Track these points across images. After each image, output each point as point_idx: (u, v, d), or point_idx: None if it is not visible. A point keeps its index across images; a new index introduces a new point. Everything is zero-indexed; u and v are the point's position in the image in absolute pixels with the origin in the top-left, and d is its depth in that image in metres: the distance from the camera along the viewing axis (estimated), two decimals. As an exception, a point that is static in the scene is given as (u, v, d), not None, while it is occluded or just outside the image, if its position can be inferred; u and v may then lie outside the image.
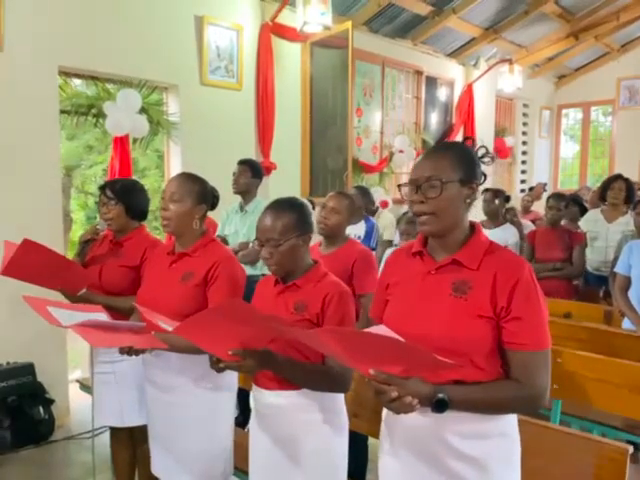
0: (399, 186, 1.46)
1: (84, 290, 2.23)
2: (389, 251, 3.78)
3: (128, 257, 2.31)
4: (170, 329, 1.46)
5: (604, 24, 8.06)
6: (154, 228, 6.11)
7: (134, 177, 4.49)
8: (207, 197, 1.99)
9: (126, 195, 2.34)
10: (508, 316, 1.24)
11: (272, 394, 1.66)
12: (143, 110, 4.10)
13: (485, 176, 1.38)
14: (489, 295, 1.25)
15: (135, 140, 4.28)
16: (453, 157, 1.31)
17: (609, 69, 9.70)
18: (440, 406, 1.19)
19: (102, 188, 2.38)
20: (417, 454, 1.32)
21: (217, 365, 1.51)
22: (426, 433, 1.29)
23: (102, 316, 1.76)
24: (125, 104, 3.91)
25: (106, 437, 2.64)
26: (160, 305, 1.74)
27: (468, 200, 1.32)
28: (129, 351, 1.76)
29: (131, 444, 2.41)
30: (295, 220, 1.65)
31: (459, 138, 7.72)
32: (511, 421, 1.35)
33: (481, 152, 1.39)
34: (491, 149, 1.41)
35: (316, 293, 1.64)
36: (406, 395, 1.15)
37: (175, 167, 4.54)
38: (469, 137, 1.44)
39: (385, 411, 1.43)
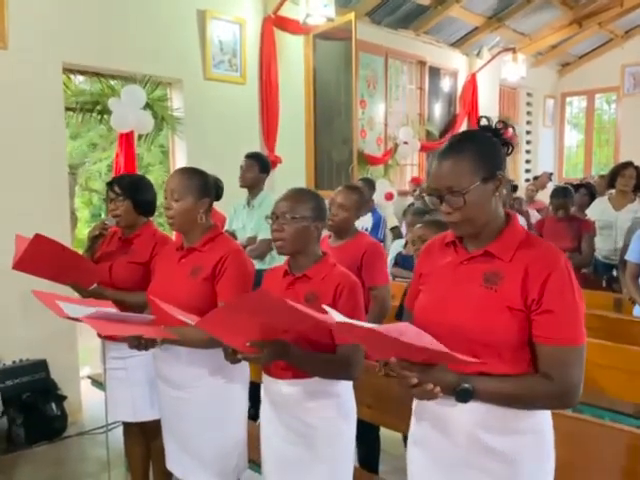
0: (421, 196, 1.43)
1: (95, 285, 2.23)
2: (397, 243, 3.78)
3: (137, 253, 2.31)
4: (191, 322, 1.47)
5: (608, 10, 7.99)
6: (159, 224, 6.11)
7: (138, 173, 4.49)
8: (209, 189, 1.97)
9: (134, 191, 2.34)
10: (539, 309, 1.20)
11: (286, 383, 1.68)
12: (147, 106, 4.09)
13: (512, 147, 1.31)
14: (520, 287, 1.21)
15: (140, 136, 4.28)
16: (471, 158, 1.23)
17: (613, 56, 9.61)
18: (464, 395, 1.18)
19: (109, 184, 2.37)
20: (446, 446, 1.30)
21: (233, 357, 1.53)
22: (456, 426, 1.27)
23: (112, 311, 1.77)
24: (129, 100, 3.91)
25: (119, 432, 2.64)
26: (170, 300, 1.74)
27: (497, 193, 1.26)
28: (138, 345, 1.76)
29: (144, 439, 2.42)
30: (313, 205, 1.70)
31: (464, 129, 7.69)
32: (544, 418, 1.31)
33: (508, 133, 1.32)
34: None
35: (327, 284, 1.65)
36: (427, 382, 1.14)
37: (180, 162, 4.54)
38: (484, 116, 1.33)
39: (415, 402, 1.41)
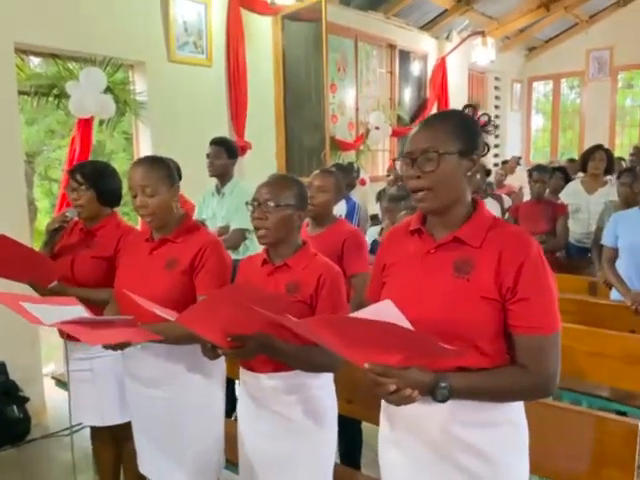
0: (393, 160, 1.37)
1: (55, 283, 2.08)
2: (373, 230, 3.71)
3: (101, 247, 2.18)
4: (171, 318, 1.41)
5: (574, -6, 8.07)
6: (124, 214, 5.92)
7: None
8: (174, 175, 1.88)
9: (97, 179, 2.19)
10: (514, 297, 1.15)
11: (266, 377, 1.64)
12: (108, 89, 3.88)
13: (488, 147, 1.28)
14: (493, 275, 1.16)
15: (101, 122, 4.07)
16: (452, 126, 1.20)
17: (578, 40, 9.75)
18: (442, 396, 1.13)
19: (71, 172, 2.21)
20: (421, 445, 1.25)
21: (213, 353, 1.49)
22: (430, 423, 1.23)
23: (79, 309, 1.66)
24: (89, 83, 3.70)
25: (86, 432, 2.52)
26: (145, 294, 1.64)
27: (469, 173, 1.22)
28: (115, 346, 1.67)
29: (114, 442, 2.31)
30: (296, 192, 1.66)
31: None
32: (518, 408, 1.28)
33: (483, 119, 1.29)
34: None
35: (309, 274, 1.61)
36: (405, 387, 1.09)
37: (145, 149, 4.36)
38: (470, 105, 1.33)
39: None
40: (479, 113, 1.30)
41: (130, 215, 6.18)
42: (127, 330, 1.62)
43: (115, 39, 4.00)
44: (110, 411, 2.16)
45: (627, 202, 3.39)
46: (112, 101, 3.86)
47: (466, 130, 1.22)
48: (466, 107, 1.31)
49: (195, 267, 1.78)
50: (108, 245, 2.17)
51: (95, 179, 2.18)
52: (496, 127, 1.31)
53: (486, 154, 1.29)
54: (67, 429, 2.74)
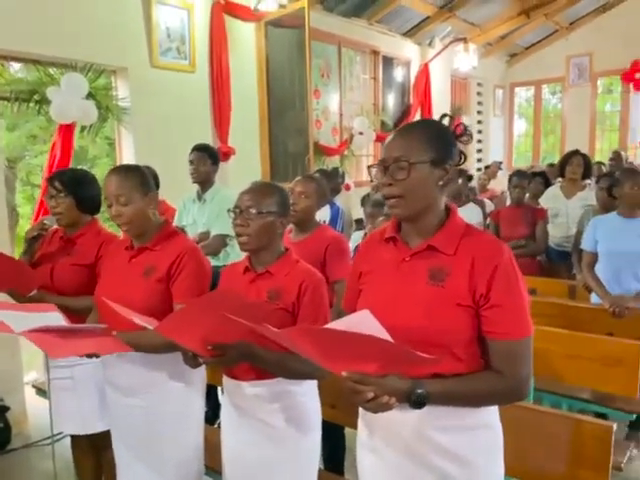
0: (369, 167, 1.39)
1: (35, 291, 2.06)
2: (356, 235, 3.73)
3: (81, 255, 2.16)
4: (150, 327, 1.40)
5: (554, 2, 8.20)
6: (106, 219, 5.86)
7: (83, 167, 4.26)
8: (150, 182, 1.87)
9: (76, 186, 2.17)
10: (487, 304, 1.18)
11: (249, 385, 1.63)
12: (90, 95, 3.86)
13: (464, 157, 1.31)
14: (467, 282, 1.18)
15: (83, 128, 4.04)
16: (424, 136, 1.22)
17: (559, 47, 9.91)
18: (419, 402, 1.14)
19: (50, 180, 2.20)
20: (397, 450, 1.27)
21: (194, 361, 1.48)
22: (406, 428, 1.24)
23: (56, 316, 1.63)
24: (70, 89, 3.68)
25: (68, 441, 2.49)
26: (123, 302, 1.63)
27: (441, 182, 1.24)
28: (89, 355, 1.67)
29: (94, 451, 2.28)
30: (278, 199, 1.66)
31: (417, 118, 7.73)
32: (493, 412, 1.30)
33: (459, 129, 1.31)
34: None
35: (291, 281, 1.61)
36: (383, 395, 1.10)
37: (127, 154, 4.34)
38: (446, 114, 1.35)
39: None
40: (458, 121, 1.32)
41: (111, 222, 6.13)
42: (97, 340, 1.59)
43: (97, 45, 3.99)
44: (90, 419, 2.14)
45: (605, 207, 3.46)
46: (94, 107, 3.84)
47: (439, 140, 1.24)
48: (443, 117, 1.33)
49: (172, 275, 1.77)
50: (88, 252, 2.15)
51: (74, 186, 2.16)
52: (471, 137, 1.32)
53: (462, 163, 1.31)
54: (48, 438, 2.71)
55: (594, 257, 3.01)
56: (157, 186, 1.93)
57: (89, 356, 1.67)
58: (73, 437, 2.33)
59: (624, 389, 2.30)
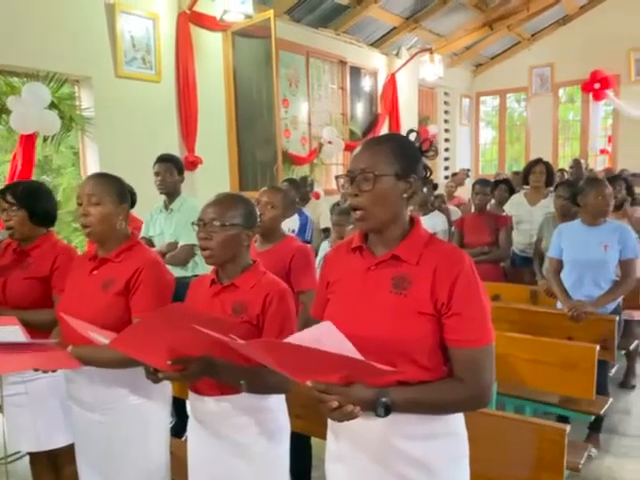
0: (337, 177, 1.41)
1: None
2: (325, 244, 3.75)
3: (36, 268, 2.10)
4: (105, 341, 1.37)
5: (516, 14, 8.44)
6: (74, 230, 5.75)
7: (48, 176, 4.18)
8: (127, 195, 1.86)
9: (29, 199, 2.12)
10: (449, 312, 1.20)
11: (213, 400, 1.61)
12: (53, 105, 3.80)
13: (430, 171, 1.34)
14: (429, 291, 1.21)
15: (46, 138, 3.97)
16: (390, 150, 1.25)
17: (521, 58, 10.19)
18: (383, 410, 1.15)
19: (1, 193, 2.14)
20: (365, 459, 1.28)
21: (154, 376, 1.45)
22: (372, 437, 1.25)
23: (15, 330, 1.60)
24: (32, 99, 3.61)
25: (26, 460, 2.42)
26: (82, 316, 1.60)
27: (405, 195, 1.27)
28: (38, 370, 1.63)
29: (54, 468, 2.22)
30: (243, 211, 1.64)
31: (386, 128, 7.84)
32: (458, 419, 1.32)
33: (426, 144, 1.33)
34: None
35: (255, 293, 1.59)
36: (347, 404, 1.12)
37: (92, 165, 4.28)
38: (413, 130, 1.37)
39: None
40: (425, 136, 1.35)
41: (80, 231, 6.00)
42: (45, 355, 1.56)
43: (60, 54, 3.93)
44: (47, 436, 2.08)
45: (563, 214, 3.56)
46: (56, 117, 3.78)
47: (404, 154, 1.27)
48: (410, 132, 1.36)
49: (130, 288, 1.74)
50: (43, 265, 2.10)
51: (27, 199, 2.11)
52: (437, 153, 1.36)
53: (429, 177, 1.34)
54: (2, 459, 2.61)
55: (560, 263, 3.07)
56: (133, 204, 1.92)
57: (45, 371, 1.63)
58: (31, 454, 2.26)
59: (581, 391, 2.37)
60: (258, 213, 2.42)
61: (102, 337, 1.39)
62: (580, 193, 3.00)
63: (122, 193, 1.83)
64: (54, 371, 1.66)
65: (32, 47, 3.76)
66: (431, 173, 1.35)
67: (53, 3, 3.88)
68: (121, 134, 4.35)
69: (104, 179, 1.82)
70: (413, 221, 1.32)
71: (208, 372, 1.48)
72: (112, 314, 1.71)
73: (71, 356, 1.54)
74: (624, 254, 2.89)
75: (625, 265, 2.91)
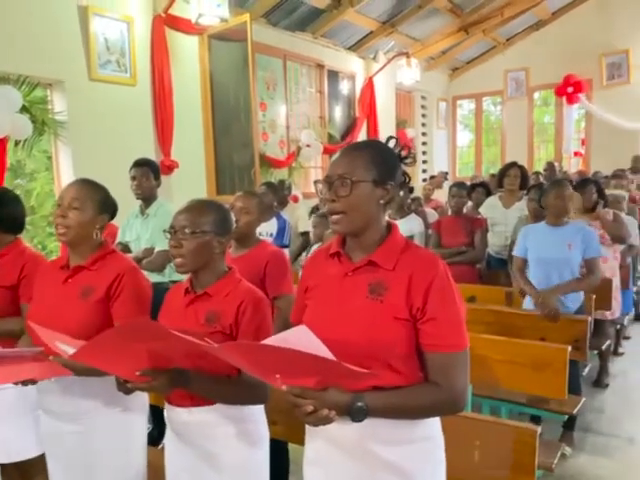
0: (315, 182, 1.41)
1: None
2: (315, 248, 3.75)
3: (3, 276, 2.06)
4: (70, 351, 1.33)
5: (490, 19, 8.57)
6: (49, 234, 5.65)
7: (21, 181, 4.10)
8: (109, 207, 1.84)
9: None
10: (424, 317, 1.21)
11: (186, 411, 1.58)
12: (25, 109, 3.74)
13: (408, 177, 1.35)
14: (405, 296, 1.21)
15: (18, 142, 3.90)
16: (368, 156, 1.27)
17: (497, 62, 10.35)
18: (358, 415, 1.16)
19: None
20: (342, 463, 1.28)
21: (125, 387, 1.43)
22: (348, 442, 1.26)
23: None
24: (2, 103, 3.55)
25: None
26: (59, 325, 1.57)
27: (382, 201, 1.28)
28: (25, 381, 1.59)
29: (25, 478, 2.18)
30: (215, 218, 1.61)
31: (364, 131, 7.88)
32: (434, 424, 1.33)
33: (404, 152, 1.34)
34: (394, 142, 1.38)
35: (229, 302, 1.57)
36: (322, 408, 1.12)
37: (65, 169, 4.22)
38: (392, 137, 1.38)
39: None
40: (404, 143, 1.36)
41: (55, 236, 5.91)
42: (34, 365, 1.54)
43: (31, 57, 3.87)
44: (17, 447, 2.05)
45: (536, 216, 3.62)
46: (28, 121, 3.73)
47: (382, 161, 1.28)
48: (389, 139, 1.37)
49: (111, 296, 1.72)
50: (11, 273, 2.05)
51: None
52: (415, 160, 1.37)
53: (408, 183, 1.35)
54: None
55: (524, 262, 3.17)
56: (112, 216, 1.89)
57: (24, 383, 1.59)
58: (2, 465, 2.22)
59: (554, 391, 2.40)
60: (234, 219, 2.41)
61: (69, 347, 1.36)
62: (543, 195, 3.08)
63: (105, 203, 1.80)
64: (34, 382, 1.62)
65: (3, 50, 3.70)
66: (410, 179, 1.36)
67: (23, 5, 3.82)
68: (96, 138, 4.29)
69: (90, 186, 1.79)
70: (390, 227, 1.33)
71: (179, 383, 1.45)
72: (92, 322, 1.68)
73: (59, 365, 1.51)
74: (588, 253, 2.99)
75: (589, 263, 3.01)
